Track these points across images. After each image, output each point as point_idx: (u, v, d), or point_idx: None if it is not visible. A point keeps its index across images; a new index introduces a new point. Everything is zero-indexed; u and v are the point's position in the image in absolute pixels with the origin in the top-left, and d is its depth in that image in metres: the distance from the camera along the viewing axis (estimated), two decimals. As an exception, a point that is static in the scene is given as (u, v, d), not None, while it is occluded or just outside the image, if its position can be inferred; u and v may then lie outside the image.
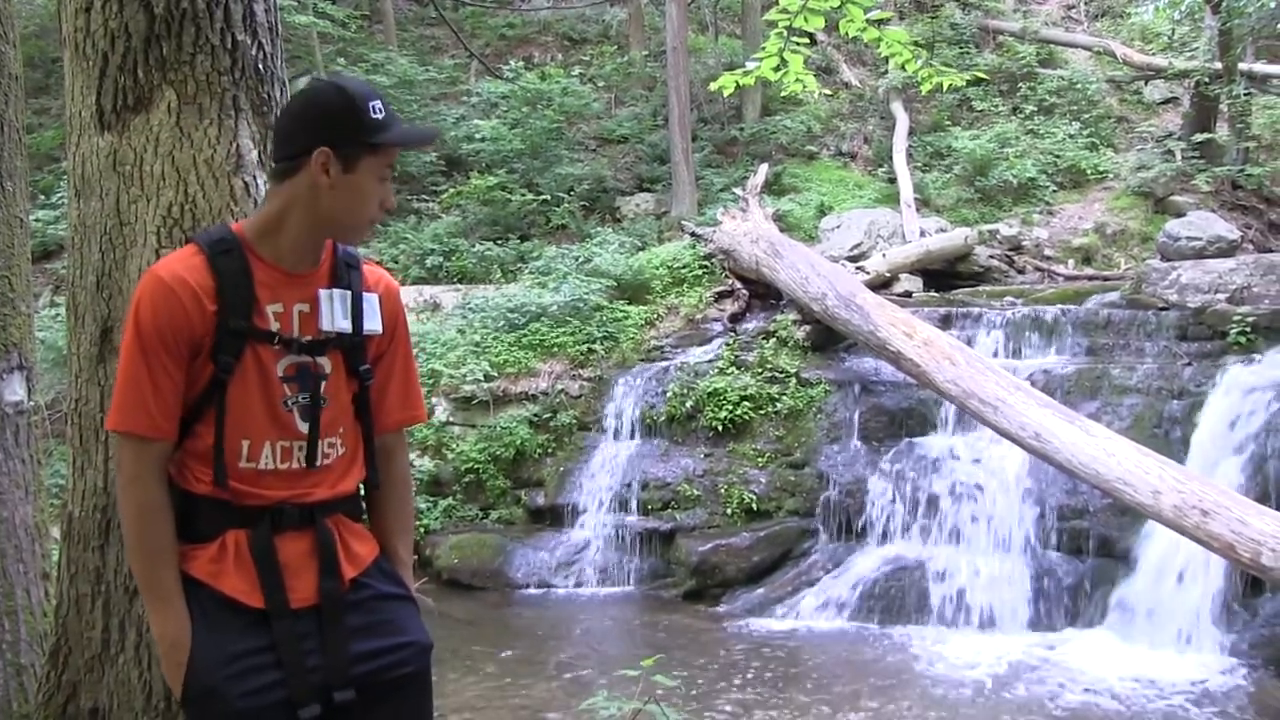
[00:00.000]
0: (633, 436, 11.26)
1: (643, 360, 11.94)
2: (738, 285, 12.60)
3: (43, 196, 14.67)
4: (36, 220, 13.46)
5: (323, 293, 2.44)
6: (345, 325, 2.47)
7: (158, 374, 2.30)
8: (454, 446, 11.45)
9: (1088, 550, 9.06)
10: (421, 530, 10.63)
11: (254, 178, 3.18)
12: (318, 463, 2.46)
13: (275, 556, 2.38)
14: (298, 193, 2.37)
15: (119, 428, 2.33)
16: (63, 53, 3.31)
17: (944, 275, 13.79)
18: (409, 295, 12.98)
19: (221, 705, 2.29)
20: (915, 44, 5.93)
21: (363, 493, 2.63)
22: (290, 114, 2.44)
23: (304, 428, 2.43)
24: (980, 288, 13.22)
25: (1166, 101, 18.94)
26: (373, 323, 2.53)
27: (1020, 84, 18.98)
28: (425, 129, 2.58)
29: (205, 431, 2.37)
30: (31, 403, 4.61)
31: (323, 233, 2.43)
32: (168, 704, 3.02)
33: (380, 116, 2.35)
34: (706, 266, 13.13)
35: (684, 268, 13.23)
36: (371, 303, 2.54)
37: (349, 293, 2.49)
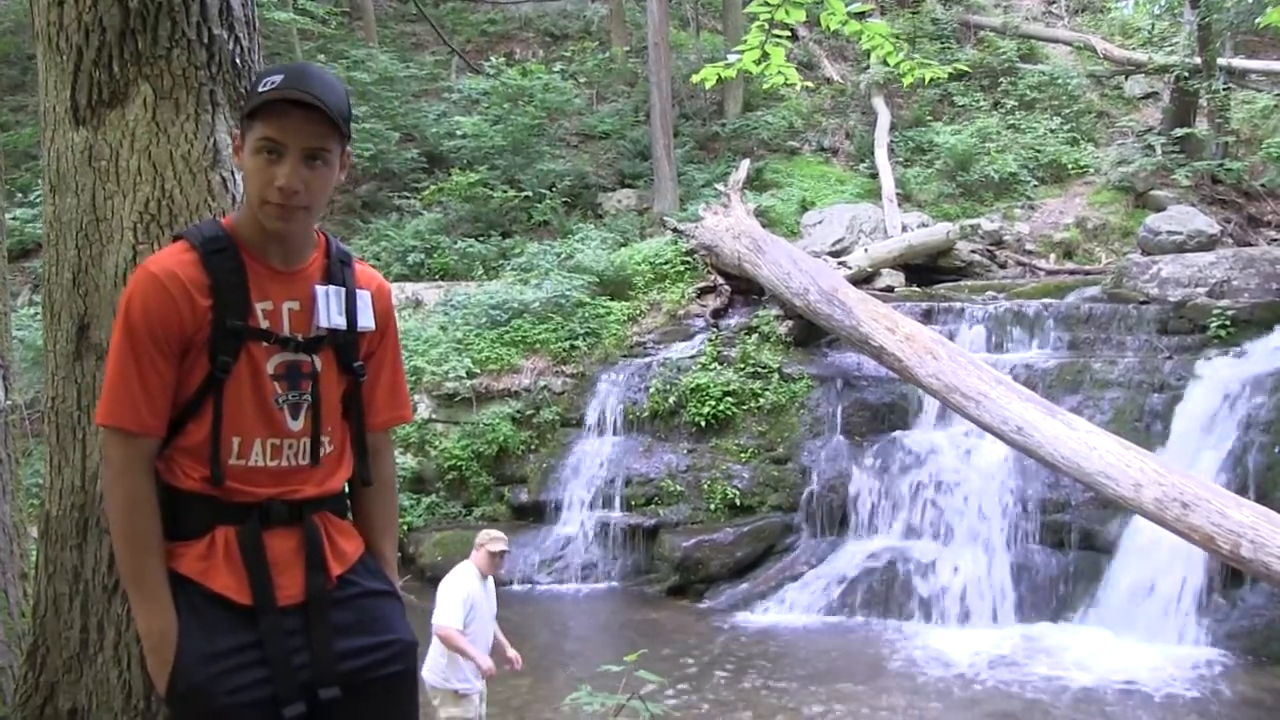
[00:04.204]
0: (615, 433, 11.25)
1: (625, 356, 11.94)
2: (720, 281, 12.61)
3: (20, 194, 14.55)
4: (14, 219, 13.36)
5: (319, 289, 2.43)
6: (340, 321, 2.46)
7: (147, 370, 2.28)
8: (437, 444, 11.43)
9: (1069, 543, 9.10)
10: (405, 527, 10.61)
11: (231, 173, 3.15)
12: (320, 458, 2.45)
13: (264, 553, 2.36)
14: None
15: (108, 422, 2.31)
16: (36, 47, 3.27)
17: (926, 270, 13.83)
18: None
19: (206, 702, 2.27)
20: (896, 38, 5.94)
21: (347, 491, 2.62)
22: None
23: (294, 425, 2.42)
24: (962, 282, 13.27)
25: (1146, 96, 19.03)
26: (366, 319, 2.53)
27: (1001, 79, 19.05)
28: (282, 83, 2.27)
29: (197, 428, 2.35)
30: (9, 402, 4.57)
31: (256, 219, 2.36)
32: (147, 703, 2.99)
33: (267, 87, 2.26)
34: (689, 262, 13.14)
35: (666, 264, 13.23)
36: (365, 299, 2.53)
37: (344, 289, 2.48)
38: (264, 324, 2.37)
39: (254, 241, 2.39)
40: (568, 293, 12.31)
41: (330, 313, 2.44)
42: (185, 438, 2.36)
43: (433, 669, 5.61)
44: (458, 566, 6.00)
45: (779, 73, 5.53)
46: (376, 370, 2.60)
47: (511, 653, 5.91)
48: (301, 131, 2.27)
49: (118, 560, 2.42)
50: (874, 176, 16.47)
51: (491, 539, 5.97)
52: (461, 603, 5.65)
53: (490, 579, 5.98)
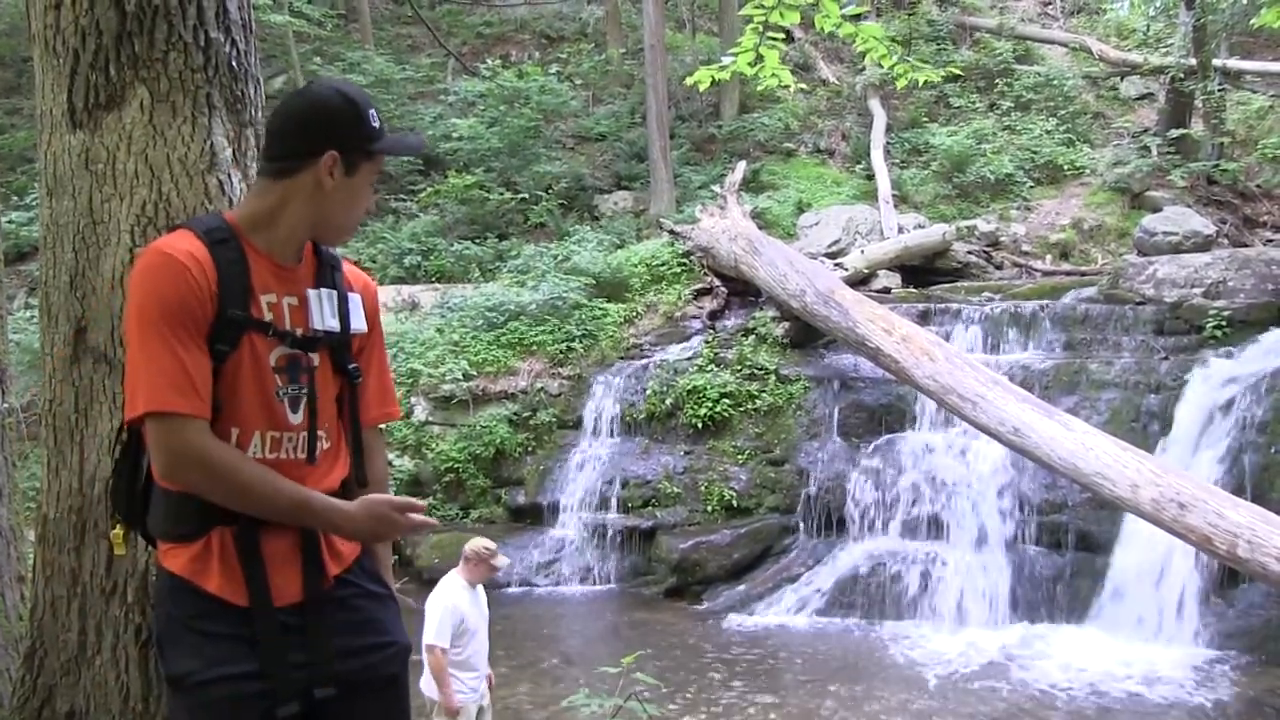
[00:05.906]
0: (612, 435, 11.25)
1: (622, 358, 11.93)
2: (716, 283, 12.61)
3: (16, 198, 14.53)
4: (10, 222, 13.35)
5: (311, 293, 2.45)
6: (334, 324, 2.48)
7: (188, 348, 2.24)
8: (433, 446, 11.42)
9: (1066, 544, 9.11)
10: (401, 530, 10.58)
11: (228, 176, 3.15)
12: (317, 454, 2.45)
13: (260, 553, 2.36)
14: (296, 192, 2.37)
15: (156, 408, 2.21)
16: (33, 50, 3.27)
17: (922, 271, 13.83)
18: (387, 294, 12.95)
19: (201, 695, 2.27)
20: (892, 40, 5.95)
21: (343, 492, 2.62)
22: (292, 114, 2.41)
23: (295, 419, 2.42)
24: (958, 283, 13.27)
25: (1142, 97, 19.04)
26: (359, 321, 2.56)
27: (997, 80, 19.05)
28: (415, 139, 2.87)
29: None
30: (6, 405, 4.57)
31: (315, 231, 2.46)
32: (145, 705, 3.00)
33: (377, 125, 2.43)
34: (685, 264, 13.13)
35: (663, 265, 13.23)
36: (356, 302, 2.57)
37: (335, 292, 2.51)
38: (267, 316, 2.37)
39: (260, 239, 2.40)
40: (564, 295, 12.30)
41: (324, 316, 2.46)
42: None
43: (428, 680, 5.57)
44: (444, 579, 5.89)
45: (773, 75, 5.54)
46: (365, 369, 2.62)
47: (486, 671, 5.84)
48: None
49: (274, 515, 2.34)
50: (870, 178, 16.47)
51: (483, 547, 5.85)
52: (449, 615, 5.56)
53: (479, 588, 5.87)
